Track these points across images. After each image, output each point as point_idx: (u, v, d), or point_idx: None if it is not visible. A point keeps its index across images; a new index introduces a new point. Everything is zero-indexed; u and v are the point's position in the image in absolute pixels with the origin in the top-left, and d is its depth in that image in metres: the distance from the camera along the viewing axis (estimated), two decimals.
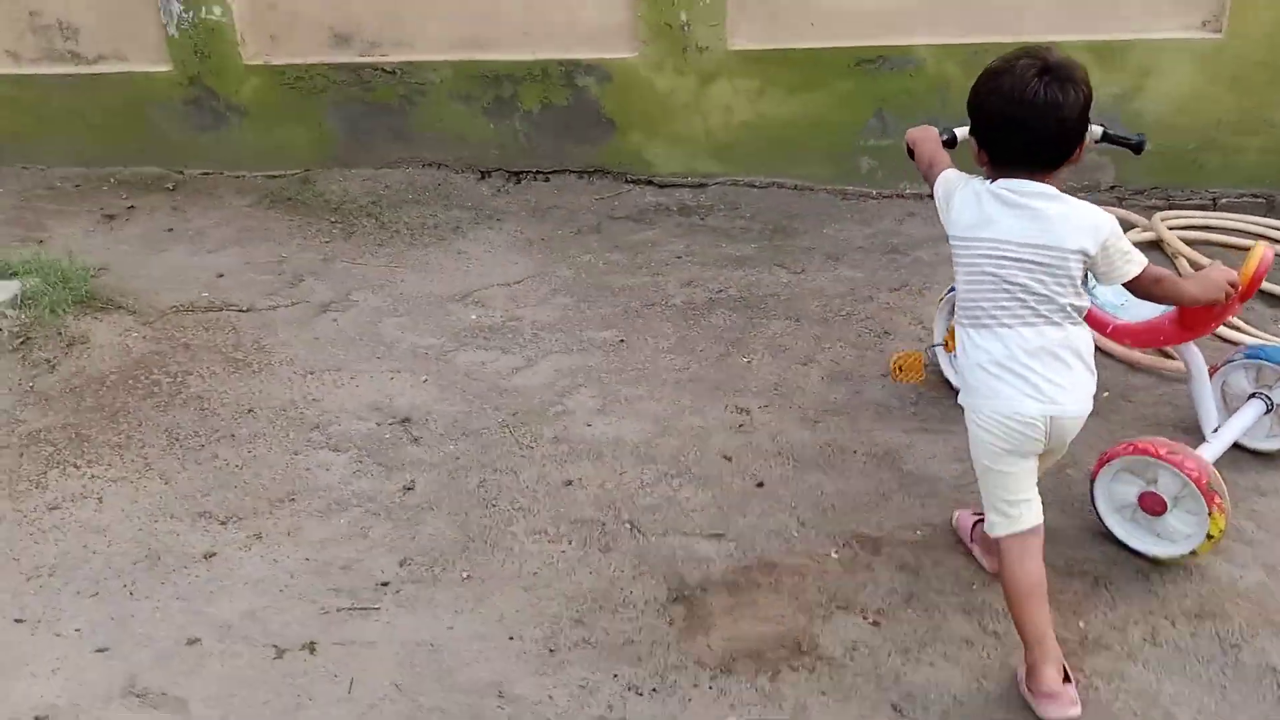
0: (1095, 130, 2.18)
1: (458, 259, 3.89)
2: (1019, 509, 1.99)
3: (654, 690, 2.02)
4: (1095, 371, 1.99)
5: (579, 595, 2.26)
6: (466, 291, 3.63)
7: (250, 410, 2.94)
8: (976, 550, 2.33)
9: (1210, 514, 2.15)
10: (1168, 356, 2.98)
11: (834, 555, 2.34)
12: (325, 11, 4.37)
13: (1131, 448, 2.26)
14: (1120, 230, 1.95)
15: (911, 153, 2.30)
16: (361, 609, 2.24)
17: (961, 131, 2.27)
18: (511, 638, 2.15)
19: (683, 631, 2.15)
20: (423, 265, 3.85)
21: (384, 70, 4.41)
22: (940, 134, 2.27)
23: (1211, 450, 2.41)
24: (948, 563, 2.31)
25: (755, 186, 4.23)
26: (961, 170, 2.09)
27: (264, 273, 3.80)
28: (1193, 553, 2.21)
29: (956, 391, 2.78)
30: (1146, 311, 2.43)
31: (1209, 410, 2.51)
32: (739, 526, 2.44)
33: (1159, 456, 2.21)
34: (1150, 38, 3.72)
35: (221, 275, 3.78)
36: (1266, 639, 2.08)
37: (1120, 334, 2.50)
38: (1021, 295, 1.93)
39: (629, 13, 4.12)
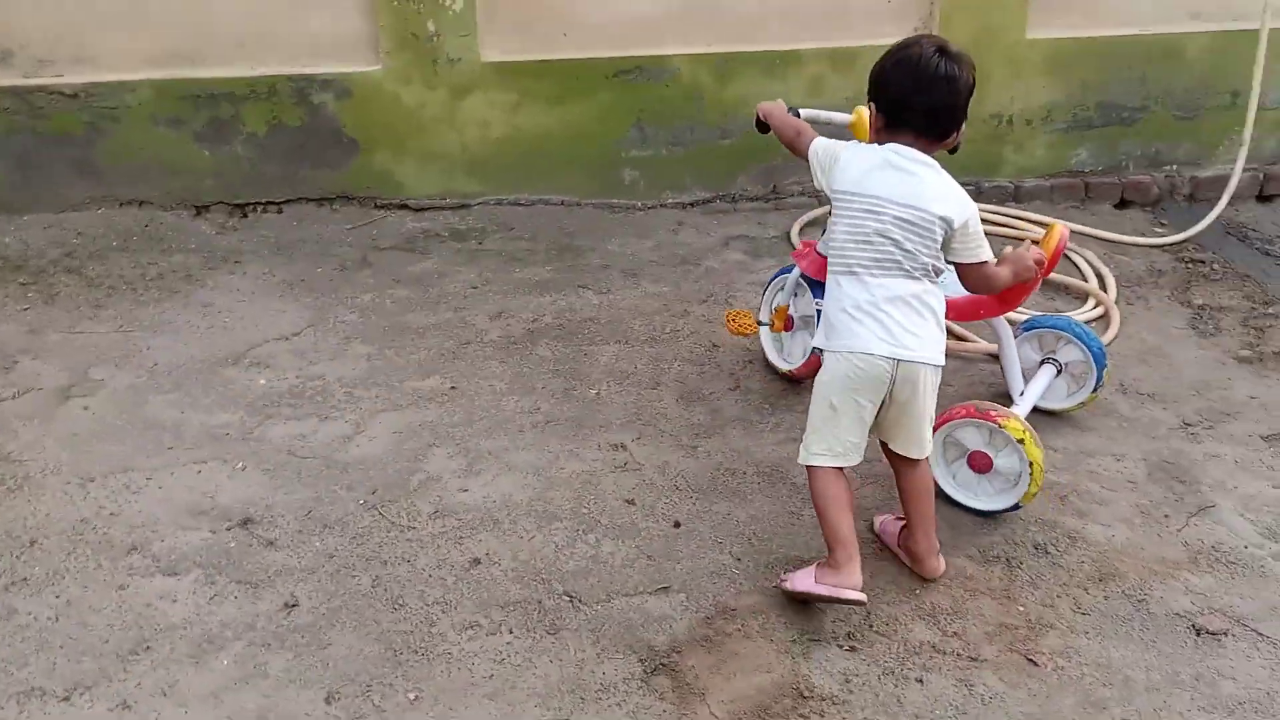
0: None
1: (206, 313, 3.33)
2: (846, 447, 2.19)
3: None
4: (945, 330, 2.20)
5: (551, 691, 2.02)
6: (238, 352, 3.12)
7: (33, 543, 2.31)
8: (903, 555, 2.39)
9: (1024, 448, 2.39)
10: (958, 339, 3.27)
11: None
12: None
13: (946, 417, 2.47)
14: (979, 219, 2.20)
15: (763, 126, 2.54)
16: None
17: (807, 112, 2.63)
18: None
19: (678, 705, 2.00)
20: (164, 326, 3.26)
21: (61, 94, 3.66)
22: (786, 110, 2.53)
23: (1020, 409, 2.68)
24: (884, 571, 2.36)
25: (521, 205, 4.04)
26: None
27: None
28: (1029, 494, 2.43)
29: (793, 380, 2.91)
30: (962, 288, 2.63)
31: (1016, 375, 2.80)
32: (679, 575, 2.32)
33: (973, 416, 2.43)
34: (875, 44, 4.01)
35: None
36: (1158, 586, 2.33)
37: (947, 308, 2.70)
38: (890, 249, 2.14)
39: (367, 22, 3.74)
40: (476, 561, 2.33)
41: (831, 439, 2.20)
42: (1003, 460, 2.46)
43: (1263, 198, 4.37)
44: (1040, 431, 2.55)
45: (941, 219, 2.14)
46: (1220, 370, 3.20)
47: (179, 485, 2.53)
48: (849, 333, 2.16)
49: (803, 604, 2.22)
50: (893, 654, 2.14)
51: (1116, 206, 4.35)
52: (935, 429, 2.37)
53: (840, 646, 2.15)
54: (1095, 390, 2.87)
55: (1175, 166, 4.37)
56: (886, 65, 2.21)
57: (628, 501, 2.54)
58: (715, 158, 4.06)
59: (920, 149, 2.18)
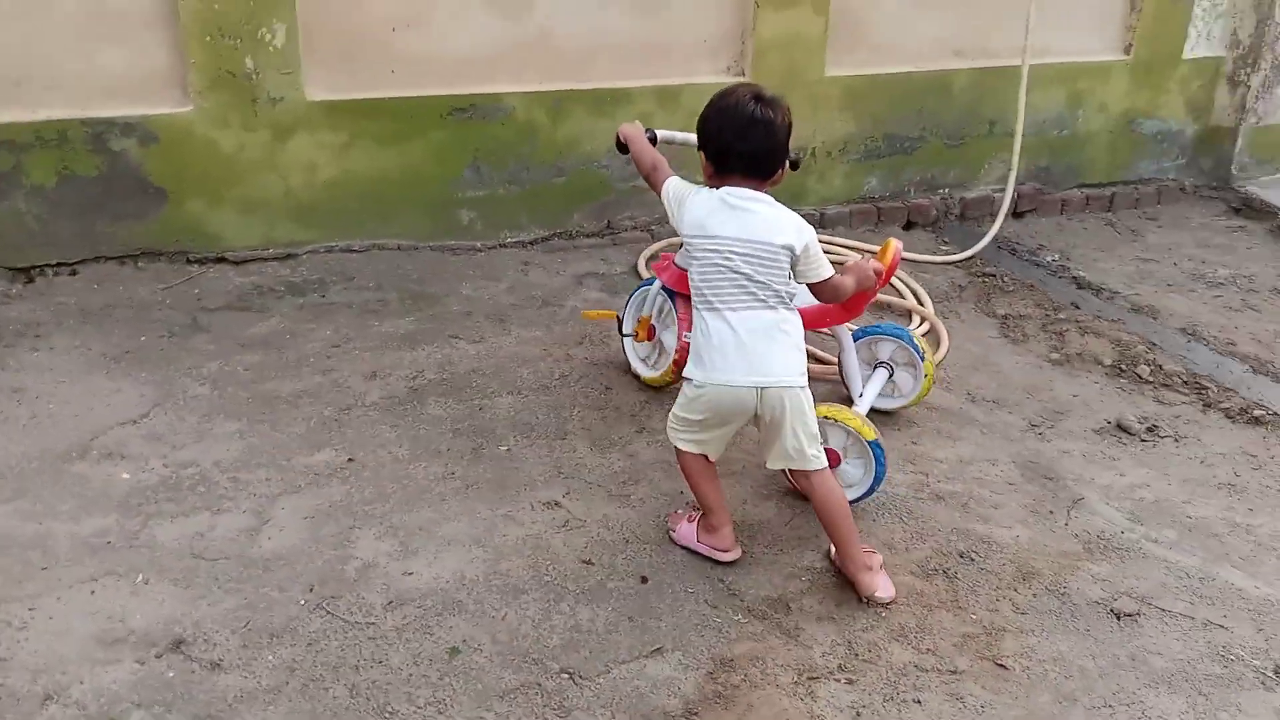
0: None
1: (21, 400, 2.86)
2: (710, 448, 2.42)
3: None
4: (804, 351, 2.38)
5: None
6: (80, 443, 2.70)
7: None
8: (863, 578, 2.48)
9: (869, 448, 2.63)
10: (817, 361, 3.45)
11: (763, 626, 2.33)
12: None
13: None
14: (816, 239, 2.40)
15: (622, 148, 2.65)
16: None
17: (663, 133, 2.76)
18: None
19: None
20: None
21: None
22: (645, 132, 2.66)
23: (861, 407, 2.91)
24: (844, 599, 2.44)
25: (355, 251, 3.78)
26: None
27: None
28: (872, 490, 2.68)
29: (655, 388, 3.12)
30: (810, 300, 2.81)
31: (856, 378, 3.02)
32: (666, 632, 2.28)
33: (824, 418, 2.60)
34: (696, 81, 4.16)
35: None
36: (1070, 578, 2.59)
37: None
38: (743, 282, 2.31)
39: (173, 58, 3.36)
40: (455, 650, 2.17)
41: (684, 430, 2.41)
42: (849, 465, 2.68)
43: (1017, 214, 4.96)
44: (921, 444, 2.77)
45: (784, 248, 2.32)
46: (1040, 373, 3.59)
47: (74, 613, 2.14)
48: (714, 366, 2.32)
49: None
50: (885, 680, 2.22)
51: (904, 228, 4.77)
52: None
53: (838, 681, 2.21)
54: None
55: (947, 189, 4.85)
56: (710, 115, 2.37)
57: (585, 562, 2.46)
58: (551, 196, 4.02)
59: (751, 188, 2.35)
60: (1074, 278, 4.40)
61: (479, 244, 3.96)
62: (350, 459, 2.74)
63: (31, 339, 3.12)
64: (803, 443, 2.37)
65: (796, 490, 2.66)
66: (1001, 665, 2.28)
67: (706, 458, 2.45)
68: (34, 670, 2.00)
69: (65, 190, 3.34)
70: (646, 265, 3.96)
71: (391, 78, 3.67)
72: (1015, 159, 4.42)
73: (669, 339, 3.08)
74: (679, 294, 2.93)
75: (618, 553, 2.50)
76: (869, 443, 2.62)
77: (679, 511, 2.61)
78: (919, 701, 2.17)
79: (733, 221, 2.32)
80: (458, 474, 2.73)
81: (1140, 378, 3.60)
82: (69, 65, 3.26)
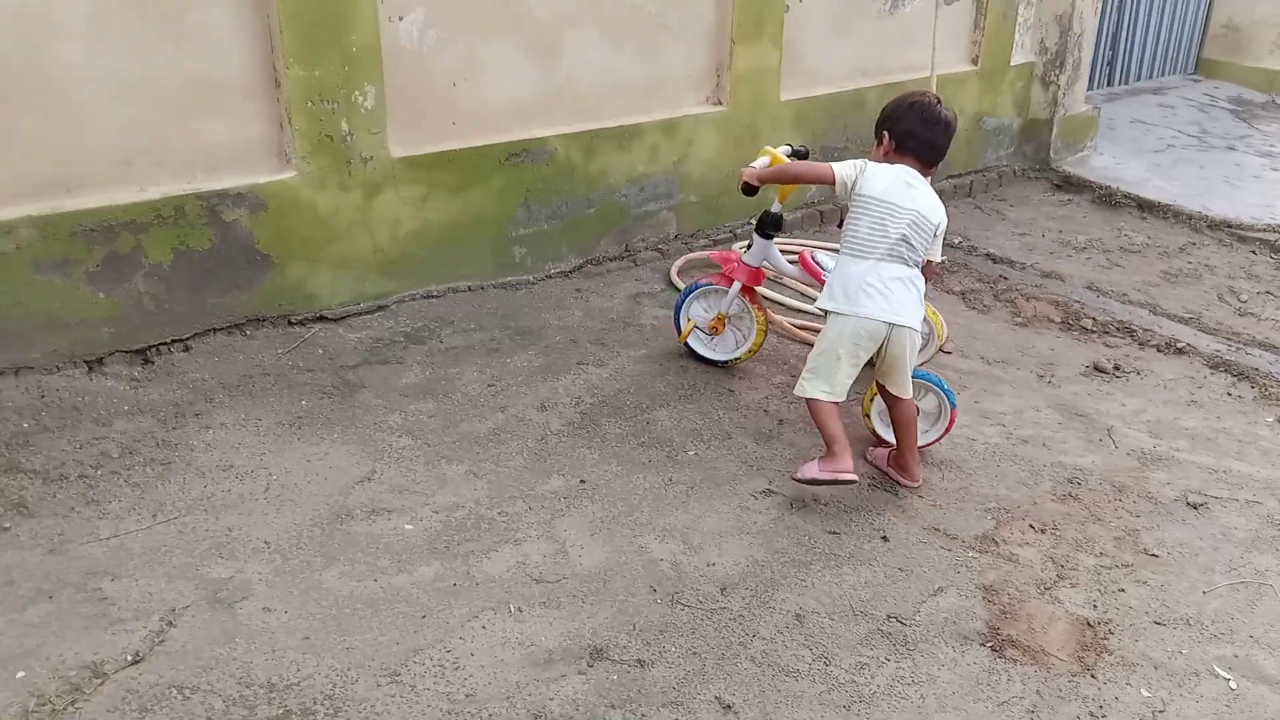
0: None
1: (242, 478, 2.89)
2: (838, 388, 2.98)
3: None
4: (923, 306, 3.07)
5: None
6: (339, 506, 2.80)
7: None
8: (893, 471, 3.15)
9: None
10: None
11: (990, 558, 2.91)
12: None
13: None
14: None
15: (749, 189, 3.33)
16: None
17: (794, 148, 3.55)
18: None
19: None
20: (209, 503, 2.76)
21: None
22: (788, 153, 3.45)
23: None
24: (1024, 529, 3.07)
25: (434, 296, 3.95)
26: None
27: None
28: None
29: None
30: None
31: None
32: (933, 574, 2.80)
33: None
34: (686, 113, 4.64)
35: None
36: (1146, 485, 3.36)
37: None
38: (900, 241, 2.95)
39: (270, 126, 3.41)
40: (799, 617, 2.57)
41: (828, 379, 2.96)
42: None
43: None
44: (981, 402, 3.55)
45: (937, 224, 3.01)
46: (1016, 335, 4.42)
47: (487, 645, 2.35)
48: (857, 302, 2.93)
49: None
50: (1093, 580, 2.84)
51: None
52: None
53: (1064, 586, 2.82)
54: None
55: None
56: (901, 106, 3.06)
57: (832, 533, 2.92)
58: (584, 226, 4.36)
59: (920, 171, 3.03)
60: (987, 254, 5.31)
61: (530, 277, 4.23)
62: (581, 481, 3.03)
63: (194, 418, 3.10)
64: (909, 377, 3.04)
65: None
66: (1154, 555, 3.01)
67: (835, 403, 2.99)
68: (505, 697, 2.21)
69: (180, 266, 3.29)
70: (678, 275, 4.41)
71: (453, 129, 3.87)
72: None
73: (742, 327, 3.71)
74: (748, 288, 3.62)
75: (848, 521, 2.99)
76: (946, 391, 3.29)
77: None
78: (1123, 590, 2.84)
79: (907, 194, 2.96)
80: (674, 479, 3.09)
81: (1086, 329, 4.52)
82: (172, 140, 3.22)
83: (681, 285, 4.26)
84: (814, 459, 3.00)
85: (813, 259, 3.61)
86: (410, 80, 3.66)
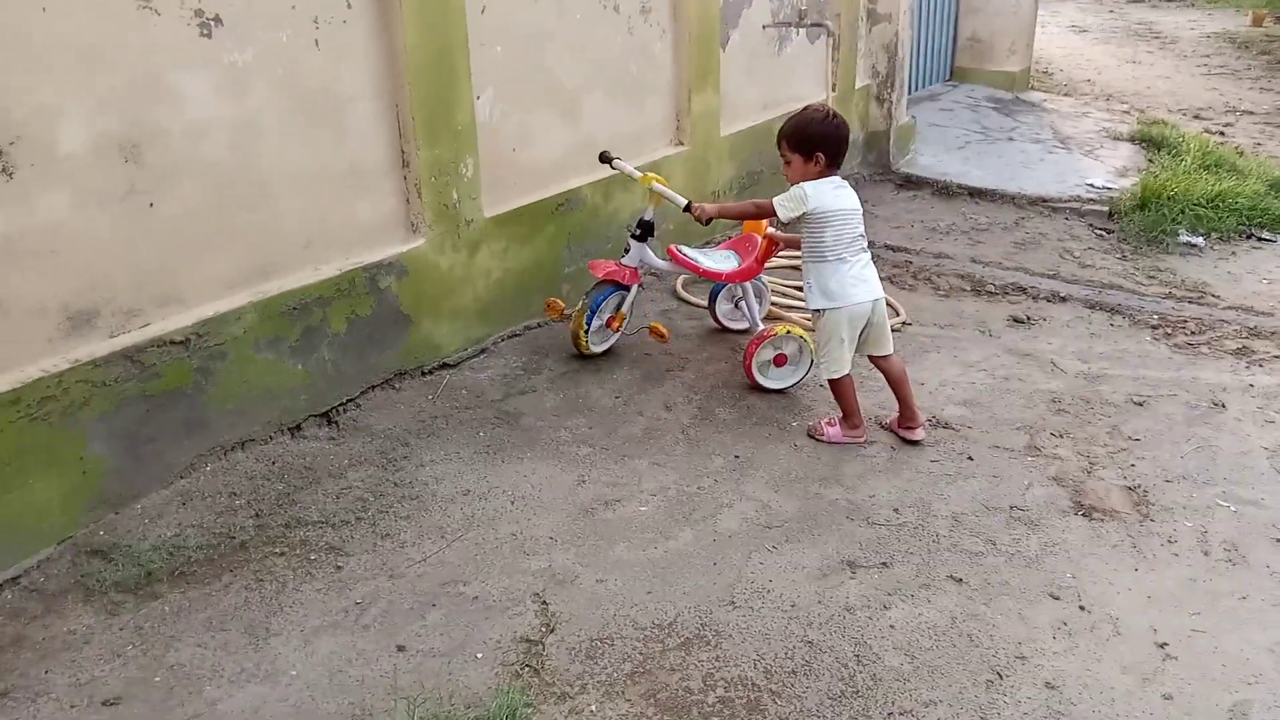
0: None
1: (481, 499, 3.39)
2: (844, 364, 3.75)
3: None
4: None
5: None
6: (581, 506, 3.38)
7: None
8: (901, 432, 3.94)
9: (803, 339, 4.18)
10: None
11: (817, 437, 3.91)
12: (44, 283, 2.84)
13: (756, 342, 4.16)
14: None
15: (705, 221, 4.00)
16: None
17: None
18: None
19: None
20: (479, 521, 3.27)
21: (170, 343, 3.11)
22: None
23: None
24: (1037, 502, 4.11)
25: (516, 335, 4.52)
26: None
27: None
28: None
29: (585, 357, 4.48)
30: (721, 262, 4.45)
31: (755, 311, 4.64)
32: (1014, 498, 3.77)
33: (769, 336, 4.11)
34: (665, 154, 5.43)
35: None
36: (1117, 401, 4.53)
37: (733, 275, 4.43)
38: (859, 236, 3.68)
39: (399, 201, 3.89)
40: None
41: (840, 360, 3.72)
42: (790, 350, 4.18)
43: None
44: (960, 355, 4.58)
45: (861, 211, 3.73)
46: (945, 304, 5.53)
47: (771, 574, 3.06)
48: (846, 295, 3.64)
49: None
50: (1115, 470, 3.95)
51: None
52: (752, 352, 4.11)
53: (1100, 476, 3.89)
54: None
55: None
56: (825, 129, 3.63)
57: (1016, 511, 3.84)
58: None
59: (835, 174, 3.70)
60: (886, 245, 6.45)
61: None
62: (735, 456, 3.76)
63: (404, 460, 3.54)
64: (889, 332, 3.84)
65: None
66: (1136, 439, 4.12)
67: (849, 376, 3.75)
68: (818, 601, 2.94)
69: (352, 333, 3.70)
70: (683, 289, 5.21)
71: (515, 188, 4.47)
72: None
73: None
74: (624, 286, 4.27)
75: (936, 451, 3.90)
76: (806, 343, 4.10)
77: (815, 424, 3.90)
78: (1133, 465, 3.92)
79: (846, 198, 3.63)
80: (797, 445, 3.89)
81: (991, 293, 5.72)
82: (335, 219, 3.65)
83: (690, 298, 5.08)
84: (833, 422, 3.85)
85: (679, 252, 4.35)
86: (488, 150, 4.23)
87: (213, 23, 3.14)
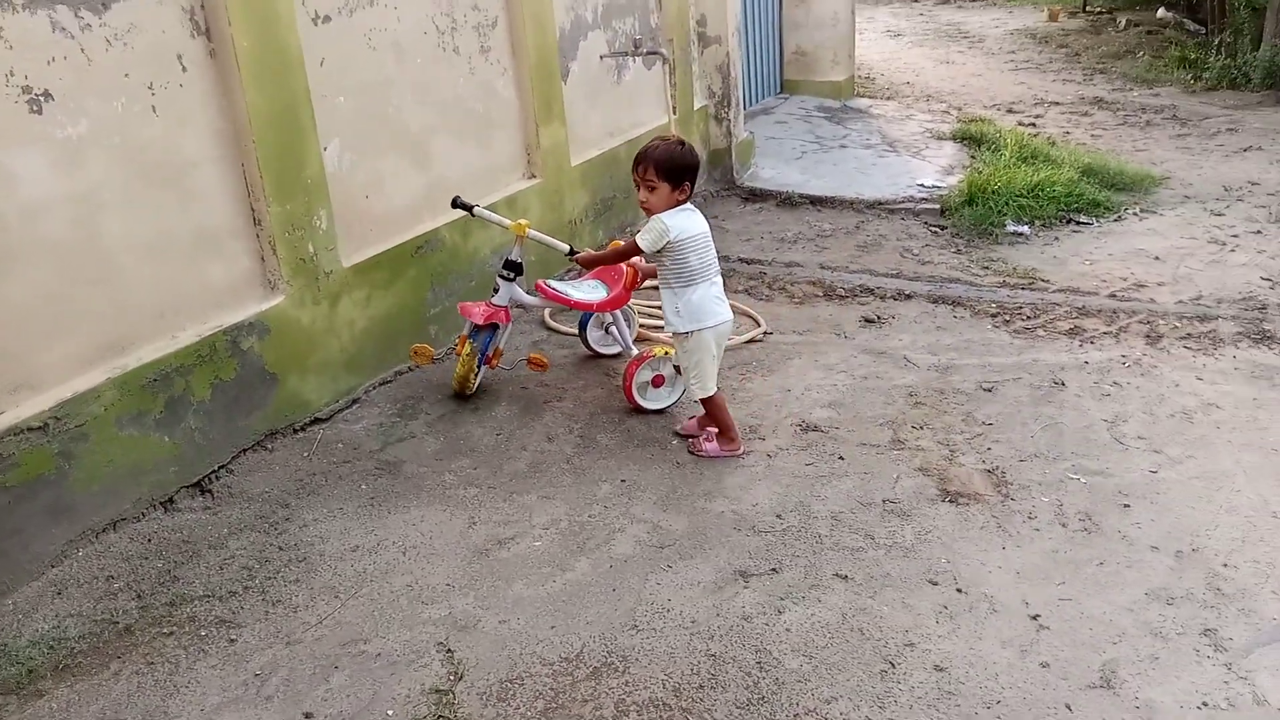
0: None
1: (371, 553, 3.36)
2: (715, 379, 3.90)
3: None
4: None
5: None
6: (474, 548, 3.39)
7: None
8: (707, 446, 4.12)
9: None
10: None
11: (696, 452, 4.14)
12: None
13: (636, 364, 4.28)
14: None
15: (582, 265, 4.37)
16: None
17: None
18: None
19: None
20: (372, 576, 3.23)
21: (28, 430, 2.97)
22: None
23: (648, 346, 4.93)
24: (907, 494, 4.35)
25: (387, 382, 4.47)
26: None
27: None
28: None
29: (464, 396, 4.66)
30: (590, 293, 4.58)
31: (626, 334, 4.80)
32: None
33: (647, 358, 4.37)
34: (518, 188, 5.47)
35: None
36: (976, 386, 4.82)
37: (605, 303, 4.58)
38: (713, 259, 3.83)
39: (252, 259, 3.82)
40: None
41: (711, 376, 3.87)
42: (666, 371, 4.29)
43: None
44: (819, 359, 4.82)
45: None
46: (801, 311, 5.77)
47: (669, 593, 3.13)
48: (713, 314, 3.80)
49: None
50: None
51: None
52: (632, 375, 4.23)
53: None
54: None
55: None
56: (693, 158, 3.78)
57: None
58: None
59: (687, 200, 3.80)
60: (740, 259, 6.67)
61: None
62: (622, 480, 3.83)
63: (285, 523, 3.47)
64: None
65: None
66: (989, 424, 4.40)
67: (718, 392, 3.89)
68: (715, 614, 3.03)
69: (217, 398, 3.60)
70: (552, 320, 5.27)
71: (371, 235, 4.44)
72: None
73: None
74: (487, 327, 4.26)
75: (811, 454, 4.07)
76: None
77: (693, 440, 4.04)
78: (989, 448, 4.19)
79: (699, 222, 3.78)
80: (679, 462, 4.00)
81: (841, 296, 5.99)
82: (187, 283, 3.55)
83: (559, 327, 5.15)
84: (710, 438, 3.98)
85: (549, 286, 4.43)
86: (340, 200, 4.19)
87: (42, 98, 3.03)
